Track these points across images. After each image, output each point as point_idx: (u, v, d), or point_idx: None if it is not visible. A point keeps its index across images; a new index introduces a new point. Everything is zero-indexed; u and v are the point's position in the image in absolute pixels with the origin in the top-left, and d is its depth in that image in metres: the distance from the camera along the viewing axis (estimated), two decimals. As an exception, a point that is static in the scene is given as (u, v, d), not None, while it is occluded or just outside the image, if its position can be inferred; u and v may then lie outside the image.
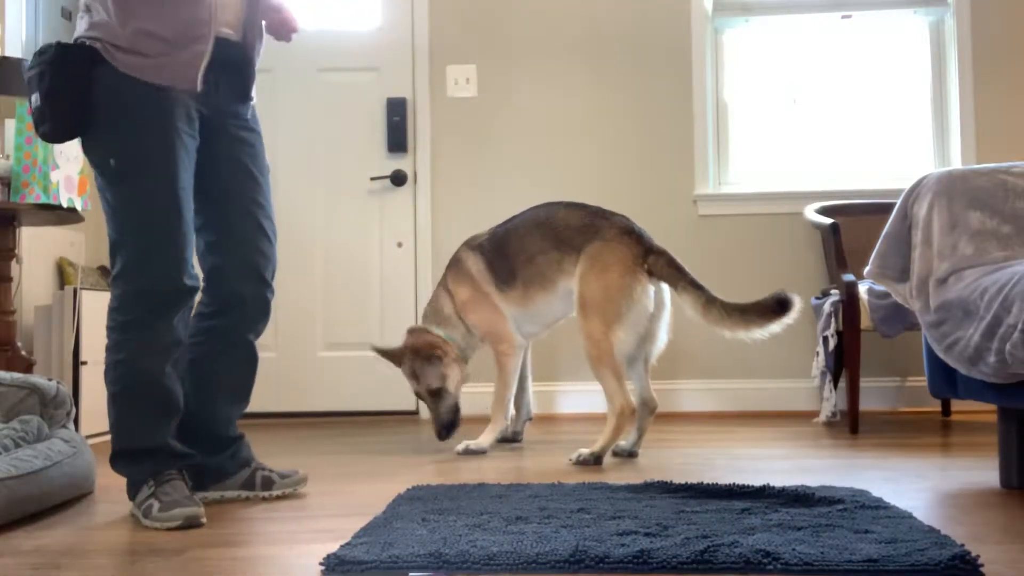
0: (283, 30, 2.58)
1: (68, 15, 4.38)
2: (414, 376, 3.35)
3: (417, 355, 3.33)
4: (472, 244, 3.44)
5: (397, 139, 4.71)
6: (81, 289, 3.84)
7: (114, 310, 2.32)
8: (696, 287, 3.06)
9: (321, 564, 1.78)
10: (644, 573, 1.71)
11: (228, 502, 2.50)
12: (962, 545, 1.77)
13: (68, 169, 3.41)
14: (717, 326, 3.01)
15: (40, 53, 2.30)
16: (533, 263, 3.27)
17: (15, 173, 3.32)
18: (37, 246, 4.09)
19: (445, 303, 3.41)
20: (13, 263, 3.54)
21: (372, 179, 4.72)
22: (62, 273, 4.27)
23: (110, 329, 2.33)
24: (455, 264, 3.45)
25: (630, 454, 3.15)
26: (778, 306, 2.95)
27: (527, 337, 3.43)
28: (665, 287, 3.19)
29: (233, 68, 2.44)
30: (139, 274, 2.29)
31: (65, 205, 3.40)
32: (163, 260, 2.28)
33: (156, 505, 2.22)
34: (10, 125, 3.40)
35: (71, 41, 2.37)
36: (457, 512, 2.17)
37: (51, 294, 4.03)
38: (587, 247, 3.18)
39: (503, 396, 3.36)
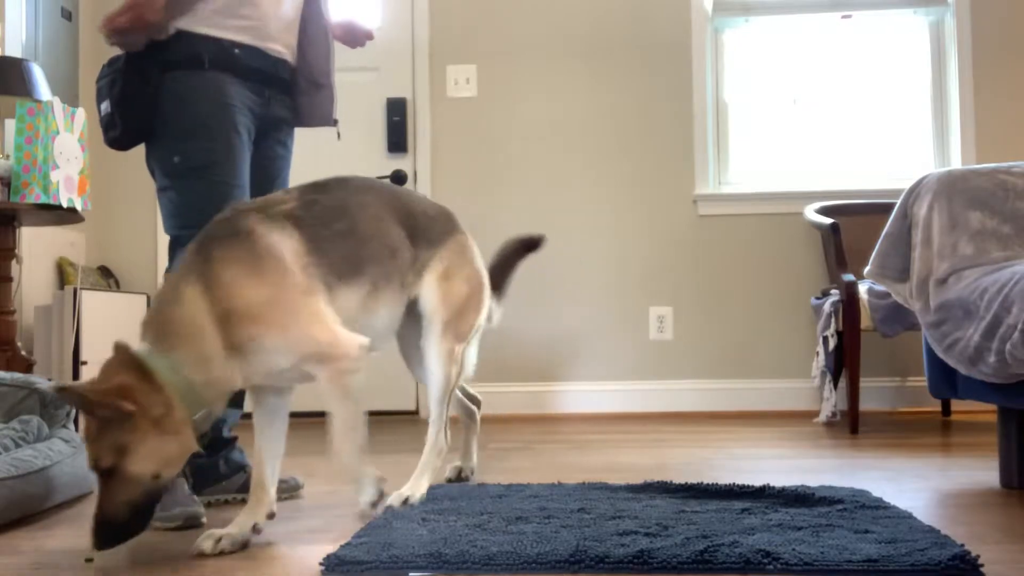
0: (353, 39, 2.69)
1: (68, 15, 4.38)
2: (88, 438, 1.87)
3: (89, 404, 1.83)
4: (271, 211, 2.10)
5: (397, 139, 4.71)
6: (81, 289, 3.84)
7: None
8: None
9: (321, 564, 1.78)
10: (644, 573, 1.71)
11: (227, 503, 2.50)
12: (962, 545, 1.77)
13: (68, 169, 3.41)
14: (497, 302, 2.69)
15: (110, 63, 2.39)
16: (397, 256, 2.30)
17: (15, 173, 3.31)
18: (37, 246, 4.09)
19: (187, 306, 1.95)
20: (13, 263, 3.54)
21: (372, 179, 4.72)
22: (62, 273, 4.27)
23: None
24: (233, 241, 2.02)
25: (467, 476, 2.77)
26: (523, 247, 2.78)
27: None
28: None
29: (282, 87, 2.50)
30: None
31: (65, 205, 3.40)
32: None
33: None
34: (10, 125, 3.40)
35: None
36: (457, 512, 2.17)
37: (51, 294, 4.03)
38: (448, 241, 2.45)
39: (353, 436, 2.11)
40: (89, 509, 2.44)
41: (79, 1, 4.51)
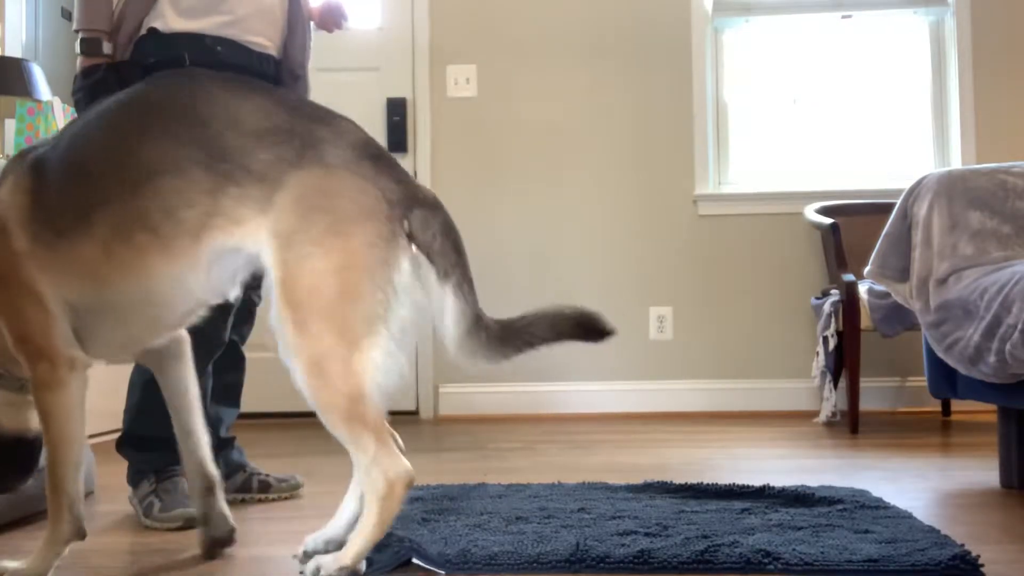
0: (331, 20, 2.57)
1: (68, 15, 4.38)
2: None
3: None
4: (26, 156, 1.78)
5: (397, 139, 4.71)
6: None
7: None
8: (471, 292, 1.70)
9: (321, 564, 1.77)
10: (644, 573, 1.71)
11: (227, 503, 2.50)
12: (962, 545, 1.78)
13: (68, 169, 3.41)
14: (478, 356, 1.73)
15: (84, 75, 2.33)
16: (139, 193, 1.63)
17: (15, 173, 3.32)
18: (37, 246, 4.09)
19: None
20: (13, 263, 3.54)
21: (372, 179, 4.71)
22: (62, 273, 4.27)
23: None
24: None
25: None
26: (581, 330, 1.85)
27: (102, 355, 1.81)
28: None
29: (267, 81, 2.47)
30: None
31: (65, 205, 3.40)
32: None
33: (157, 504, 2.22)
34: (10, 125, 3.41)
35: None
36: (457, 512, 2.17)
37: (51, 294, 4.03)
38: (291, 177, 1.61)
39: (58, 473, 1.73)
40: (89, 509, 2.45)
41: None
